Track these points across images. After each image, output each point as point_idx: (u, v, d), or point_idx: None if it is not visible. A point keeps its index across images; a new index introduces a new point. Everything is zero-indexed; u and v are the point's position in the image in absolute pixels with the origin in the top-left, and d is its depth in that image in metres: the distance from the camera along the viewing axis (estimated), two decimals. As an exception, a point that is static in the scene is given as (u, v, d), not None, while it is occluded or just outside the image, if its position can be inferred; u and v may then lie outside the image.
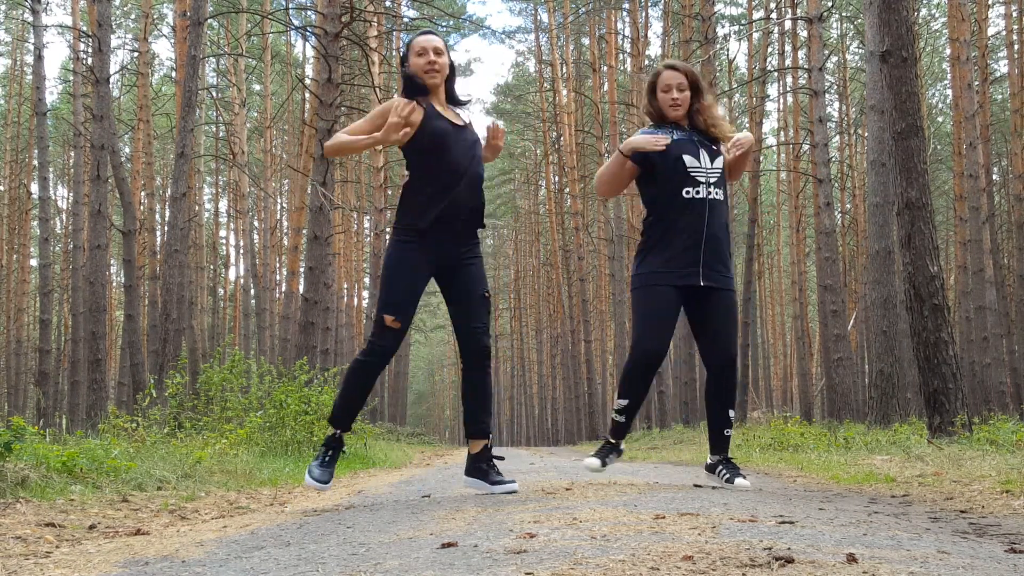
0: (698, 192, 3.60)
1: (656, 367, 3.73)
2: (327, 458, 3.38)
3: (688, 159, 3.64)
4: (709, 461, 3.84)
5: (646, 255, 3.71)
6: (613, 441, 3.91)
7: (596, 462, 3.83)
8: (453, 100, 3.51)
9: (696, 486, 3.76)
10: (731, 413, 3.75)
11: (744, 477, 3.73)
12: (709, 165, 3.66)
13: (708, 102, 3.73)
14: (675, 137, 3.69)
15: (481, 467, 3.50)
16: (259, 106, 31.26)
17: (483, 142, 3.48)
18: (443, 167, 3.35)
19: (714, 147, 3.71)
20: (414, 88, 3.39)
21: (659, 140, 3.62)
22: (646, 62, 27.36)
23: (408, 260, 3.31)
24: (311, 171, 14.33)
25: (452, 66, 3.49)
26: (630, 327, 3.98)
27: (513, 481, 3.53)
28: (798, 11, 21.40)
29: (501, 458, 3.59)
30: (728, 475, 3.72)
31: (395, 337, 3.31)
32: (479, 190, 3.46)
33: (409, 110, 3.25)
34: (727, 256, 3.71)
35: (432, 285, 3.46)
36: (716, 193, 3.64)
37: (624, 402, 3.78)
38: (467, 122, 3.49)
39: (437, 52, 3.40)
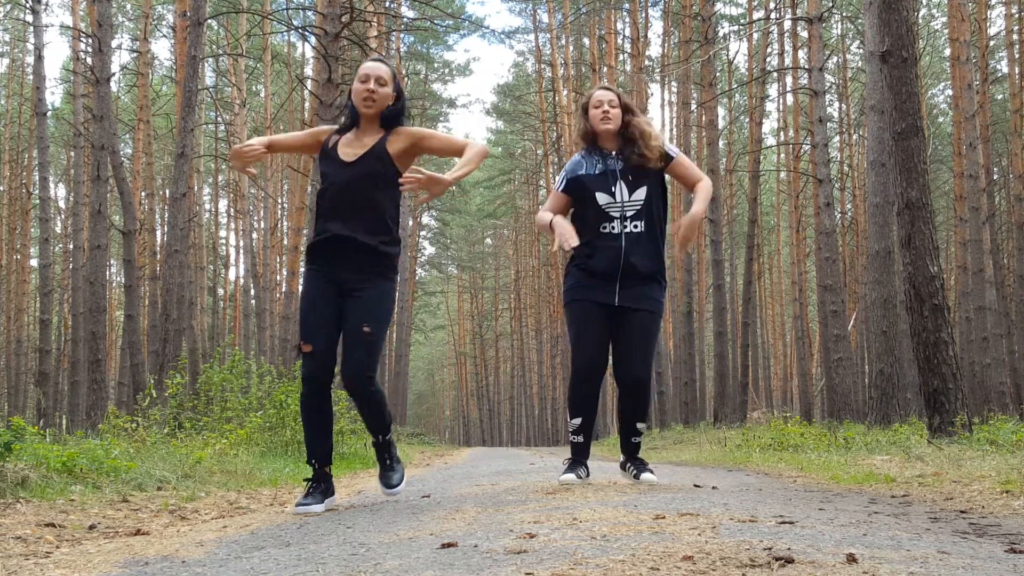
0: (613, 228, 3.75)
1: (593, 379, 3.81)
2: (310, 490, 3.37)
3: (600, 196, 3.77)
4: (621, 460, 4.09)
5: (572, 271, 3.86)
6: (569, 458, 3.99)
7: (571, 477, 3.83)
8: (386, 125, 3.45)
9: (696, 486, 3.77)
10: (640, 425, 3.94)
11: (651, 472, 3.92)
12: (627, 198, 3.75)
13: (639, 120, 3.83)
14: (595, 171, 3.82)
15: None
16: (259, 106, 31.26)
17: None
18: (324, 202, 3.41)
19: (639, 175, 3.77)
20: (348, 115, 3.49)
21: (567, 240, 3.70)
22: (646, 62, 27.35)
23: (308, 285, 3.41)
24: (311, 171, 14.34)
25: (399, 95, 3.45)
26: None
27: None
28: (798, 11, 21.40)
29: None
30: (635, 471, 3.92)
31: (312, 362, 3.31)
32: (363, 228, 3.34)
33: (244, 158, 3.38)
34: (652, 280, 3.78)
35: None
36: (635, 226, 3.74)
37: (577, 421, 3.87)
38: (371, 150, 3.37)
39: (380, 82, 3.38)
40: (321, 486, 3.37)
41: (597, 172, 3.82)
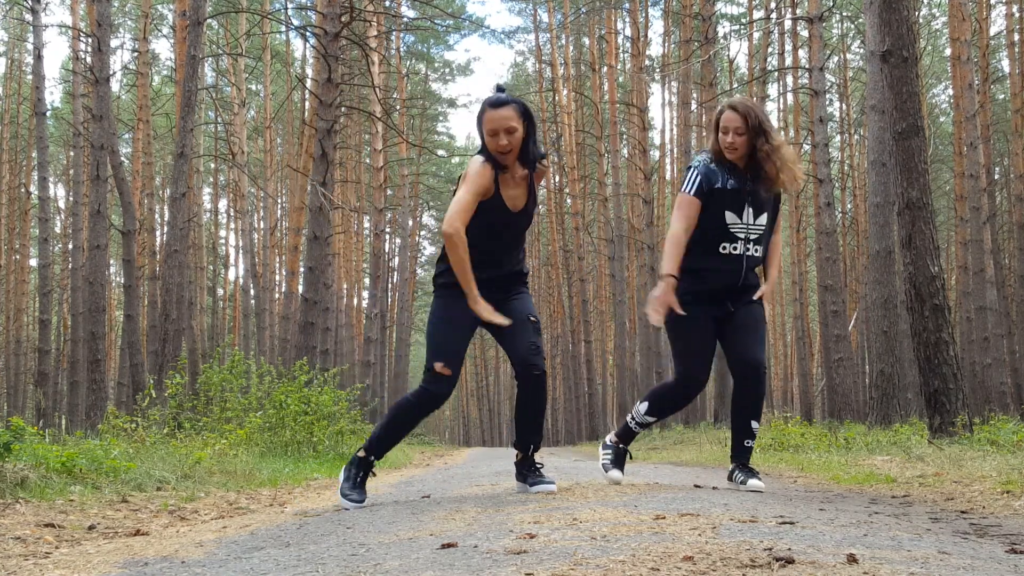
0: (735, 248, 3.60)
1: (694, 394, 3.78)
2: (359, 480, 3.45)
3: (729, 216, 3.59)
4: (730, 468, 3.84)
5: (683, 279, 3.64)
6: (624, 447, 3.96)
7: (619, 474, 3.85)
8: (524, 161, 3.43)
9: (696, 486, 3.76)
10: (755, 425, 3.70)
11: (759, 479, 3.69)
12: (752, 221, 3.61)
13: (776, 143, 3.58)
14: (728, 186, 3.59)
15: (522, 472, 3.65)
16: (259, 106, 31.26)
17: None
18: (490, 247, 3.42)
19: (765, 198, 3.63)
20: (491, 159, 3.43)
21: (660, 306, 3.59)
22: (646, 62, 27.35)
23: (449, 307, 3.42)
24: (311, 171, 14.33)
25: (529, 129, 3.40)
26: (669, 343, 4.02)
27: (552, 481, 3.59)
28: (798, 11, 21.41)
29: (541, 464, 3.73)
30: (743, 478, 3.69)
31: (443, 383, 3.37)
32: (517, 261, 3.55)
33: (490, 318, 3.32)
34: (756, 286, 3.73)
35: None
36: (755, 250, 3.63)
37: (651, 420, 3.83)
38: (531, 197, 3.46)
39: (509, 132, 3.31)
40: (365, 479, 3.49)
41: (730, 187, 3.59)
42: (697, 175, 3.62)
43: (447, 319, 3.40)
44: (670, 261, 3.61)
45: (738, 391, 3.67)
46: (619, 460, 3.91)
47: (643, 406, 3.82)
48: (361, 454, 3.45)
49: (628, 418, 3.91)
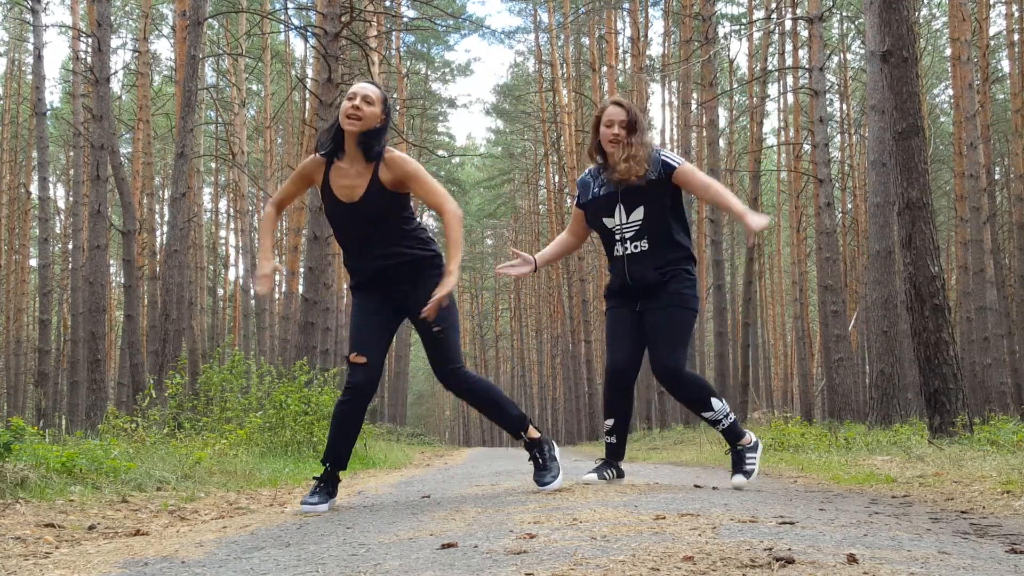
0: (617, 250, 3.75)
1: (620, 382, 3.80)
2: (318, 487, 3.40)
3: (607, 220, 3.77)
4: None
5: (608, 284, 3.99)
6: (602, 459, 3.98)
7: (593, 477, 3.85)
8: (367, 154, 3.35)
9: (696, 486, 3.76)
10: (706, 414, 3.72)
11: (743, 475, 3.73)
12: (625, 220, 3.72)
13: (637, 143, 3.67)
14: (601, 192, 3.77)
15: (530, 457, 3.60)
16: (259, 106, 31.26)
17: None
18: (344, 243, 3.48)
19: (635, 194, 3.68)
20: (332, 139, 3.40)
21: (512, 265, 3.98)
22: (646, 62, 27.35)
23: (358, 302, 3.48)
24: (311, 171, 14.32)
25: (386, 120, 3.39)
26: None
27: (549, 483, 3.51)
28: (799, 11, 21.41)
29: (549, 445, 3.61)
30: (732, 470, 3.79)
31: (360, 373, 3.37)
32: (394, 253, 3.39)
33: (263, 289, 3.57)
34: (665, 285, 3.69)
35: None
36: (634, 247, 3.70)
37: (609, 422, 3.88)
38: (367, 191, 3.34)
39: (366, 100, 3.32)
40: (328, 487, 3.41)
41: (602, 194, 3.77)
42: (578, 188, 3.94)
43: (358, 314, 3.46)
44: (545, 249, 4.14)
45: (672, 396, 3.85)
46: (599, 467, 3.93)
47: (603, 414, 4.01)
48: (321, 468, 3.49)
49: None
